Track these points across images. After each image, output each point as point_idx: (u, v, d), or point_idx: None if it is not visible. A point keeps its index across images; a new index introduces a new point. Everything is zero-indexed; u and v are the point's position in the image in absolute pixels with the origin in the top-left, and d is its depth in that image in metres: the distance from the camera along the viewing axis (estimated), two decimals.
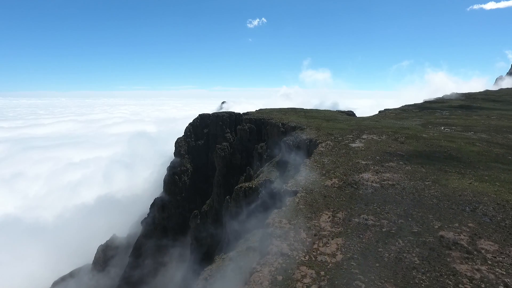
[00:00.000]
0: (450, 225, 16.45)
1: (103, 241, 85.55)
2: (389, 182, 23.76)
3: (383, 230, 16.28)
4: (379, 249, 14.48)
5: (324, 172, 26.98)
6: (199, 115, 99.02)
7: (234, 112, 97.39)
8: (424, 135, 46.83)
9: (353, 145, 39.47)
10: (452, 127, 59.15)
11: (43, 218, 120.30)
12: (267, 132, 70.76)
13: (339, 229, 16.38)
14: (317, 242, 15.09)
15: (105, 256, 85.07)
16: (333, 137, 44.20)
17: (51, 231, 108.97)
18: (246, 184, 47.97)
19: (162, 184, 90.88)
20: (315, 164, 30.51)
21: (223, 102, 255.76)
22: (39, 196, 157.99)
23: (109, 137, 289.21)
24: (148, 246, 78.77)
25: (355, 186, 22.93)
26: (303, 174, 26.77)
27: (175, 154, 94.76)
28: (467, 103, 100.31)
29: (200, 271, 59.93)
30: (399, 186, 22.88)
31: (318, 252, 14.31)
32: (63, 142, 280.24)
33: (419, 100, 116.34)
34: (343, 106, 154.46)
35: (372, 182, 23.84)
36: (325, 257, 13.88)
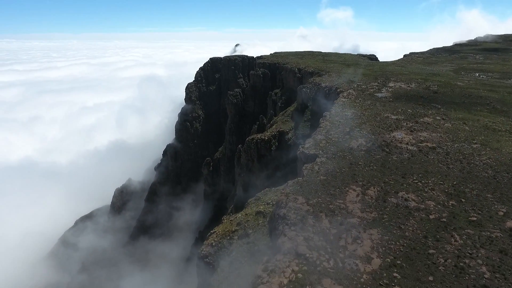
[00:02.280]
0: None
1: (118, 186, 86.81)
2: (428, 144, 19.82)
3: (431, 217, 12.85)
4: (430, 251, 11.16)
5: (347, 129, 23.09)
6: (210, 59, 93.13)
7: (247, 56, 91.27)
8: (459, 83, 41.43)
9: (379, 95, 34.84)
10: (488, 74, 53.05)
11: (58, 162, 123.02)
12: (282, 78, 65.70)
13: (373, 215, 13.01)
14: (344, 235, 11.85)
15: (122, 199, 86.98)
16: (355, 85, 39.38)
17: (67, 175, 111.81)
18: (259, 136, 44.85)
19: (174, 131, 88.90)
20: (336, 118, 26.50)
21: (236, 45, 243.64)
22: (56, 140, 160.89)
23: (121, 80, 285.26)
24: (162, 192, 79.39)
25: (387, 150, 19.13)
26: (323, 132, 22.98)
27: (186, 100, 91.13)
28: (503, 46, 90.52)
29: (210, 223, 59.70)
30: (441, 150, 18.95)
31: (346, 253, 11.09)
32: (77, 86, 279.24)
33: (449, 42, 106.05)
34: (364, 50, 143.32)
35: (407, 144, 19.95)
36: (357, 262, 10.67)
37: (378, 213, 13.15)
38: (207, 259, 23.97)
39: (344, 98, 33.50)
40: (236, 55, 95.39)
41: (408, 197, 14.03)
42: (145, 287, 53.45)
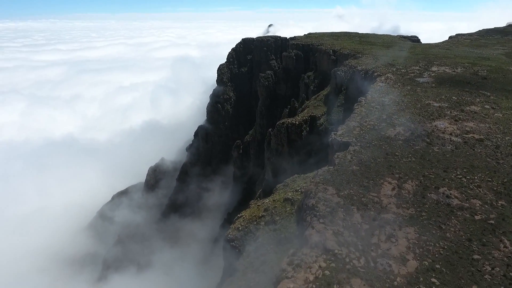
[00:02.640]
0: None
1: (151, 164, 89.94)
2: (475, 136, 18.16)
3: (476, 218, 11.71)
4: (475, 256, 10.17)
5: (384, 116, 21.73)
6: (242, 39, 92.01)
7: (280, 37, 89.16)
8: (511, 69, 37.81)
9: (421, 79, 32.59)
10: None
11: (97, 140, 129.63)
12: (316, 60, 63.53)
13: (409, 211, 12.07)
14: (377, 232, 11.07)
15: (155, 177, 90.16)
16: (394, 69, 37.10)
17: (104, 152, 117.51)
18: (289, 120, 43.90)
19: (205, 112, 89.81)
20: (372, 104, 25.08)
21: (270, 25, 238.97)
22: (95, 118, 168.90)
23: (156, 61, 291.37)
24: (193, 172, 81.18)
25: (428, 140, 17.74)
26: (357, 118, 21.80)
27: (217, 81, 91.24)
28: None
29: (239, 205, 60.27)
30: (490, 143, 17.28)
31: (379, 252, 10.33)
32: (114, 66, 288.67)
33: (502, 23, 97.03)
34: (405, 31, 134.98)
35: (451, 134, 18.39)
36: (390, 262, 9.92)
37: (416, 210, 12.19)
38: (233, 243, 24.05)
39: (382, 82, 31.67)
40: (268, 36, 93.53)
41: (450, 194, 12.88)
42: (175, 264, 55.64)
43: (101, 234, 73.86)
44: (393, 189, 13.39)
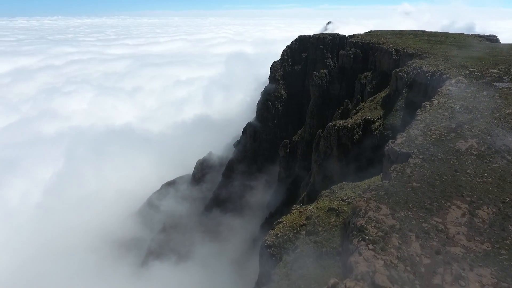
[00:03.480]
0: None
1: (199, 157, 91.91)
2: None
3: None
4: None
5: (454, 126, 18.64)
6: (298, 36, 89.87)
7: (338, 34, 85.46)
8: None
9: (500, 84, 28.18)
10: None
11: (151, 130, 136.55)
12: (375, 60, 59.42)
13: (484, 246, 9.55)
14: (441, 270, 8.77)
15: (201, 170, 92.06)
16: (467, 71, 32.73)
17: (156, 143, 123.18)
18: (341, 123, 41.11)
19: (255, 110, 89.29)
20: (439, 110, 21.91)
21: (328, 23, 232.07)
22: (152, 109, 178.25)
23: (213, 57, 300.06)
24: (238, 169, 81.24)
25: (509, 157, 14.58)
26: (420, 126, 18.97)
27: (269, 79, 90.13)
28: None
29: (282, 206, 58.66)
30: None
31: None
32: (174, 60, 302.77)
33: None
34: (481, 29, 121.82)
35: None
36: None
37: (493, 246, 9.62)
38: (270, 250, 22.76)
39: (452, 86, 27.91)
40: (326, 33, 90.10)
41: None
42: (212, 259, 55.85)
43: (148, 221, 77.01)
44: (463, 215, 10.83)
